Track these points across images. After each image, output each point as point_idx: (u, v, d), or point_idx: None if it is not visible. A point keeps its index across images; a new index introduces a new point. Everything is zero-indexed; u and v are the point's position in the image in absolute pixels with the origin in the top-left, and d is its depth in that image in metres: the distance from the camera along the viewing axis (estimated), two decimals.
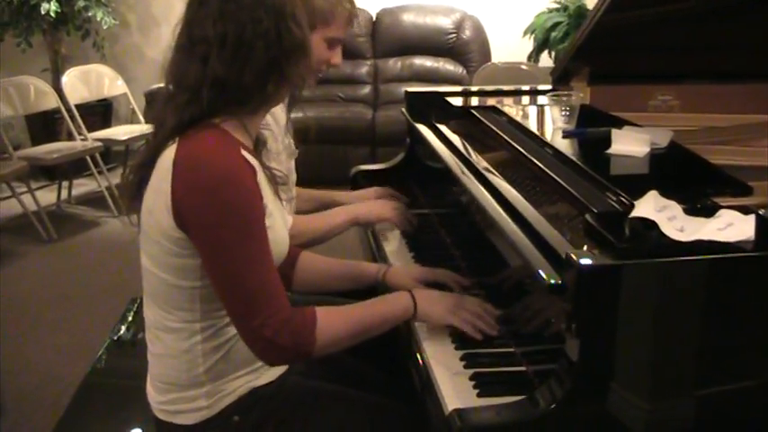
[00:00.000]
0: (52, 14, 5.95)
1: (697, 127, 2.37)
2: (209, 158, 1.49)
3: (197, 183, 1.48)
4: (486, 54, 6.31)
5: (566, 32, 5.57)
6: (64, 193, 5.97)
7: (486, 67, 5.63)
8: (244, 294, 1.51)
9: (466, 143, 2.25)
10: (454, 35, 6.33)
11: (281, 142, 2.13)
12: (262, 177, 1.59)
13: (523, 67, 5.47)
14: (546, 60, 5.77)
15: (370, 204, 2.39)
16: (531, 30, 5.82)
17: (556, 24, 5.64)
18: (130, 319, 2.51)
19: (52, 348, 3.63)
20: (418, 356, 1.71)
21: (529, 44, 5.86)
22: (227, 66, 1.50)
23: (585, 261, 1.30)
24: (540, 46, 5.75)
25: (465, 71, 6.24)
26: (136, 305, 2.59)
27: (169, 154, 1.52)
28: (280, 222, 1.68)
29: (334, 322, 1.61)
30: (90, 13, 6.21)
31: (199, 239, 1.50)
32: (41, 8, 5.91)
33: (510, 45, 6.24)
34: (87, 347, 3.52)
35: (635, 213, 1.42)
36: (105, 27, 6.31)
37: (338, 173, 3.16)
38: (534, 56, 5.83)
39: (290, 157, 2.20)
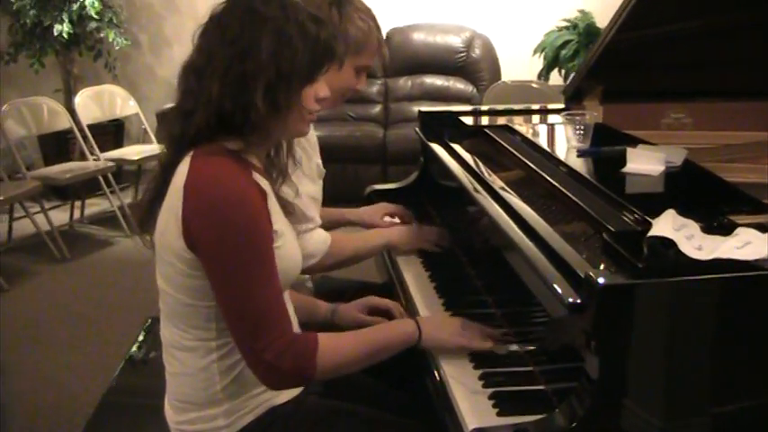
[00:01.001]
0: (65, 35, 6.02)
1: (711, 144, 2.38)
2: (217, 180, 1.51)
3: (204, 203, 1.49)
4: (496, 72, 6.32)
5: (575, 50, 5.58)
6: (76, 213, 6.00)
7: (496, 85, 5.65)
8: (247, 317, 1.52)
9: (480, 162, 2.26)
10: (464, 54, 6.34)
11: (312, 161, 2.15)
12: (273, 200, 1.61)
13: (534, 85, 5.48)
14: (556, 78, 5.78)
15: (407, 231, 2.41)
16: (540, 48, 5.83)
17: (566, 42, 5.65)
18: (142, 338, 2.52)
19: (66, 367, 3.65)
20: (436, 375, 1.71)
21: (539, 62, 5.87)
22: (227, 88, 1.51)
23: (606, 280, 1.30)
24: (551, 64, 5.75)
25: (475, 90, 6.25)
26: (147, 324, 2.59)
27: (181, 176, 1.54)
28: (291, 243, 1.69)
29: (336, 348, 1.62)
30: (102, 34, 6.27)
31: (206, 260, 1.52)
32: (54, 29, 5.98)
33: (520, 63, 6.25)
34: (101, 366, 3.54)
35: (653, 232, 1.42)
36: (117, 47, 6.37)
37: (349, 192, 3.17)
38: (544, 74, 5.84)
39: (319, 176, 2.22)
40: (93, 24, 6.15)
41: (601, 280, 1.30)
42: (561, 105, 2.70)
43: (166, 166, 1.59)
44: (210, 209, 1.49)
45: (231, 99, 1.51)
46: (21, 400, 3.34)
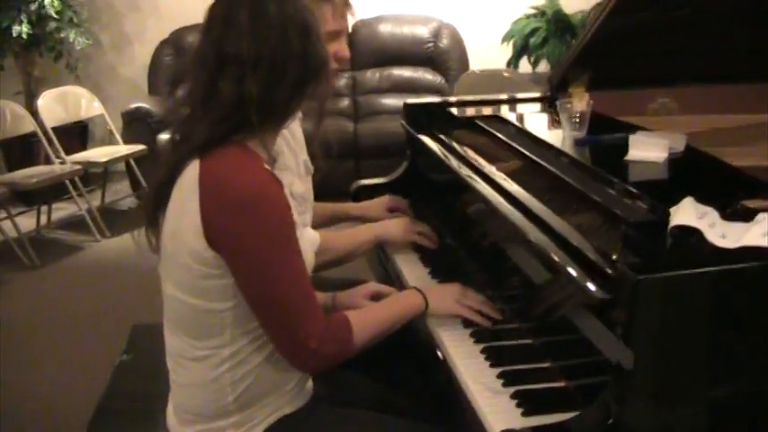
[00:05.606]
0: (24, 36, 5.87)
1: (702, 129, 2.36)
2: (239, 176, 1.47)
3: (229, 201, 1.45)
4: (464, 62, 6.29)
5: (544, 38, 5.59)
6: (43, 218, 5.86)
7: (467, 75, 5.62)
8: (286, 309, 1.51)
9: (475, 153, 2.22)
10: (432, 44, 6.30)
11: (299, 158, 2.09)
12: (287, 191, 1.57)
13: (505, 74, 5.46)
14: (525, 66, 5.77)
15: (397, 224, 2.33)
16: (509, 36, 5.83)
17: (534, 30, 5.65)
18: (126, 348, 2.44)
19: (47, 378, 3.55)
20: (453, 377, 1.66)
21: (506, 51, 5.86)
22: (261, 86, 1.48)
23: (641, 275, 1.25)
24: (519, 52, 5.76)
25: (444, 80, 6.22)
26: (130, 331, 2.51)
27: (192, 173, 1.49)
28: (305, 236, 1.67)
29: (364, 325, 1.66)
30: (62, 35, 6.12)
31: (234, 259, 1.48)
32: (13, 30, 5.83)
33: (488, 52, 6.23)
34: (81, 373, 3.47)
35: (676, 221, 1.39)
36: (78, 48, 6.22)
37: (323, 188, 3.08)
38: (513, 62, 5.84)
39: (308, 174, 2.15)
40: (53, 24, 6.00)
41: (635, 274, 1.25)
42: (540, 94, 2.70)
43: (173, 167, 1.53)
44: (235, 206, 1.45)
45: (263, 98, 1.48)
46: (4, 411, 3.25)
